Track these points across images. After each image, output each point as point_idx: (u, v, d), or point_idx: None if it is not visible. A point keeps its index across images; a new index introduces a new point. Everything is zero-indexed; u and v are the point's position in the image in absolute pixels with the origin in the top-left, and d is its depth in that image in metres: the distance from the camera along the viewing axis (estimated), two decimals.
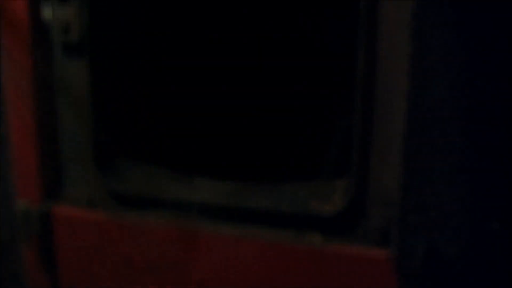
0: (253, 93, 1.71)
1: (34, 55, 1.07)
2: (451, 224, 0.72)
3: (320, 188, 1.04)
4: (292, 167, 1.31)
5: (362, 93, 0.87)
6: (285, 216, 0.98)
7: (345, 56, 1.01)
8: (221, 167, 1.22)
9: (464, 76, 0.68)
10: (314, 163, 1.17)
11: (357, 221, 0.93)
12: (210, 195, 1.07)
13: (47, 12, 1.03)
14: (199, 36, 1.60)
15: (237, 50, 1.67)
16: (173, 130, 1.47)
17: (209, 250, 0.99)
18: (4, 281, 1.34)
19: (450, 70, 0.69)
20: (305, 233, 0.96)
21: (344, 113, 1.23)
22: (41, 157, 1.10)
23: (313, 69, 1.77)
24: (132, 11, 1.21)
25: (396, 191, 0.85)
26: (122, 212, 1.07)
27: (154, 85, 1.38)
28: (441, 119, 0.71)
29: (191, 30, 1.58)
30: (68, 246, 1.09)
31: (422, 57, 0.71)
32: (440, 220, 0.72)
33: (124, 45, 1.17)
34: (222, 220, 1.03)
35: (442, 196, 0.72)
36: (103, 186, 1.08)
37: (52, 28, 1.03)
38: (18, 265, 1.24)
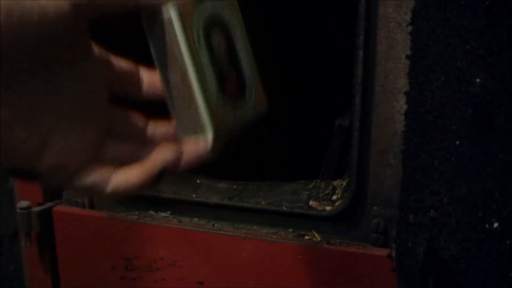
0: None
1: None
2: (450, 224, 0.72)
3: (320, 188, 1.04)
4: (292, 167, 1.31)
5: (361, 92, 0.87)
6: (285, 216, 0.99)
7: (345, 55, 1.01)
8: (221, 166, 1.22)
9: (464, 76, 0.68)
10: (314, 163, 1.17)
11: (357, 221, 0.93)
12: (210, 195, 1.07)
13: None
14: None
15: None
16: None
17: (209, 250, 0.99)
18: (4, 280, 1.34)
19: (450, 70, 0.69)
20: (305, 233, 0.96)
21: (344, 112, 1.23)
22: None
23: (313, 68, 1.77)
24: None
25: (396, 191, 0.85)
26: (122, 212, 1.07)
27: None
28: (441, 119, 0.71)
29: None
30: (69, 245, 1.10)
31: (422, 57, 0.71)
32: (440, 220, 0.72)
33: (123, 45, 1.17)
34: (222, 220, 1.03)
35: (442, 196, 0.72)
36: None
37: None
38: (18, 264, 1.24)
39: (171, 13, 0.48)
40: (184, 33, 0.48)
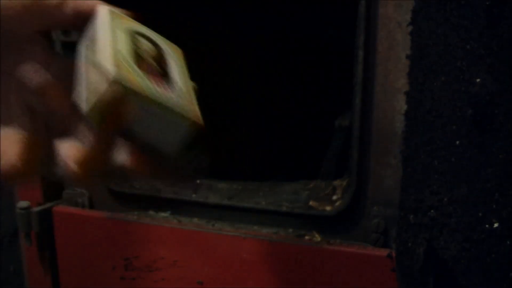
0: (253, 92, 1.71)
1: None
2: (450, 224, 0.72)
3: (320, 188, 1.04)
4: (292, 167, 1.31)
5: (361, 92, 0.87)
6: (285, 216, 0.98)
7: (345, 55, 1.01)
8: (221, 167, 1.22)
9: (464, 76, 0.68)
10: (314, 163, 1.17)
11: (357, 221, 0.93)
12: (210, 195, 1.07)
13: None
14: (197, 33, 1.60)
15: (237, 49, 1.67)
16: None
17: (209, 250, 0.99)
18: (4, 281, 1.34)
19: (450, 70, 0.69)
20: (305, 233, 0.96)
21: (344, 112, 1.23)
22: None
23: (312, 68, 1.77)
24: (131, 11, 1.21)
25: (396, 191, 0.85)
26: (122, 212, 1.07)
27: None
28: (441, 119, 0.71)
29: (189, 28, 1.58)
30: (69, 245, 1.10)
31: (422, 57, 0.71)
32: (440, 220, 0.72)
33: None
34: (222, 220, 1.03)
35: (442, 196, 0.72)
36: (103, 186, 1.08)
37: None
38: (18, 264, 1.24)
39: (103, 10, 0.49)
40: (110, 24, 0.48)
